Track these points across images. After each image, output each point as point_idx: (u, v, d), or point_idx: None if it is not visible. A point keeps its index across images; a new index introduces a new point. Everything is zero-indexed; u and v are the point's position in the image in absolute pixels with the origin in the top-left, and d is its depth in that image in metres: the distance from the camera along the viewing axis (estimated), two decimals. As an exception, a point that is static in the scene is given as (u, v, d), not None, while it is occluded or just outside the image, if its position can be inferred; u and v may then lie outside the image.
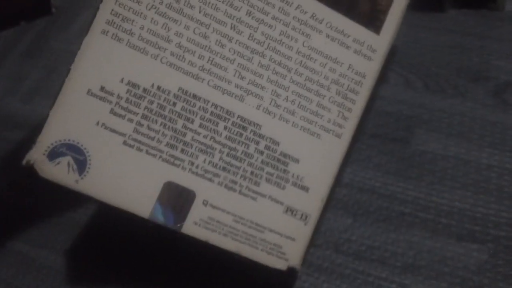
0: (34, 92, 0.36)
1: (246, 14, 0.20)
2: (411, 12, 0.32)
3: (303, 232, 0.21)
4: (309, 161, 0.21)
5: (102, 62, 0.19)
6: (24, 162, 0.18)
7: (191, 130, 0.20)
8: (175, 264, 0.25)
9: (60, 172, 0.18)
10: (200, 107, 0.20)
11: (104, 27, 0.19)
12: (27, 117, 0.35)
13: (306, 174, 0.21)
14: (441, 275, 0.23)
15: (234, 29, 0.20)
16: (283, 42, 0.20)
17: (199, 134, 0.20)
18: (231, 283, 0.24)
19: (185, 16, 0.19)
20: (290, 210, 0.20)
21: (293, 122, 0.20)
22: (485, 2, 0.31)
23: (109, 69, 0.19)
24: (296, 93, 0.21)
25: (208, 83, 0.20)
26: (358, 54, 0.21)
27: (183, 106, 0.20)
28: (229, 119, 0.20)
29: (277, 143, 0.20)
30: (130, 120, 0.19)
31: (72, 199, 0.28)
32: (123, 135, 0.19)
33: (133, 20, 0.19)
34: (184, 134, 0.20)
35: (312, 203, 0.21)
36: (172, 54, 0.19)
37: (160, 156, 0.19)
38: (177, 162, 0.20)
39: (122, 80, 0.19)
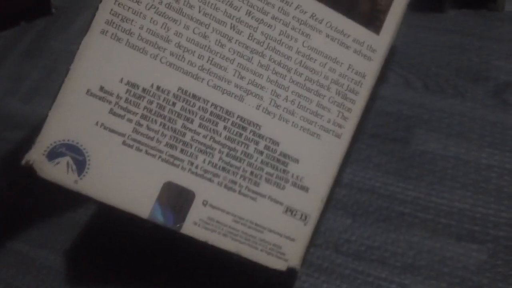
0: (34, 92, 0.36)
1: (246, 14, 0.20)
2: (411, 12, 0.32)
3: (302, 232, 0.21)
4: (309, 161, 0.21)
5: (102, 62, 0.19)
6: (23, 162, 0.18)
7: (190, 130, 0.20)
8: (175, 264, 0.25)
9: (59, 172, 0.18)
10: (199, 107, 0.20)
11: (104, 27, 0.19)
12: (27, 117, 0.35)
13: (305, 174, 0.21)
14: (441, 275, 0.23)
15: (233, 29, 0.20)
16: (283, 42, 0.20)
17: (198, 134, 0.20)
18: (231, 283, 0.24)
19: (184, 16, 0.19)
20: (289, 210, 0.20)
21: (293, 122, 0.20)
22: (484, 3, 0.31)
23: (108, 69, 0.19)
24: (296, 93, 0.20)
25: (207, 83, 0.20)
26: (358, 54, 0.21)
27: (182, 106, 0.20)
28: (228, 119, 0.20)
29: (277, 143, 0.20)
30: (130, 120, 0.19)
31: (72, 199, 0.28)
32: (123, 135, 0.19)
33: (132, 20, 0.19)
34: (184, 134, 0.20)
35: (311, 203, 0.21)
36: (171, 54, 0.19)
37: (160, 156, 0.19)
38: (177, 162, 0.20)
39: (121, 80, 0.19)
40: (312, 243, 0.24)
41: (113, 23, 0.19)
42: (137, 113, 0.19)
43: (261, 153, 0.20)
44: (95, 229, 0.27)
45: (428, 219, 0.24)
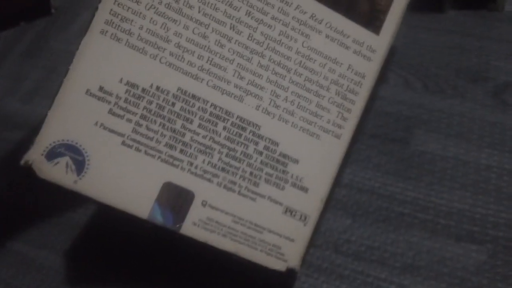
0: (34, 92, 0.36)
1: (246, 14, 0.20)
2: (411, 13, 0.32)
3: (302, 233, 0.21)
4: (309, 161, 0.21)
5: (101, 62, 0.19)
6: (22, 162, 0.18)
7: (190, 130, 0.20)
8: (175, 265, 0.25)
9: (58, 173, 0.18)
10: (199, 107, 0.20)
11: (103, 27, 0.19)
12: (26, 117, 0.35)
13: (305, 174, 0.21)
14: (440, 276, 0.23)
15: (233, 29, 0.20)
16: (282, 42, 0.20)
17: (198, 134, 0.20)
18: (230, 284, 0.24)
19: (184, 16, 0.19)
20: (289, 211, 0.20)
21: (293, 123, 0.20)
22: (484, 3, 0.31)
23: (108, 69, 0.19)
24: (296, 94, 0.20)
25: (207, 83, 0.20)
26: (357, 54, 0.21)
27: (182, 106, 0.20)
28: (228, 120, 0.20)
29: (276, 144, 0.20)
30: (129, 120, 0.19)
31: (71, 199, 0.28)
32: (122, 135, 0.19)
33: (132, 20, 0.19)
34: (183, 135, 0.20)
35: (311, 203, 0.21)
36: (171, 54, 0.19)
37: (159, 157, 0.19)
38: (176, 162, 0.19)
39: (121, 80, 0.19)
40: (312, 243, 0.24)
41: (113, 23, 0.19)
42: (136, 113, 0.19)
43: (261, 153, 0.20)
44: (95, 229, 0.27)
45: (428, 219, 0.24)
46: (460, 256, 0.23)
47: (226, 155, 0.20)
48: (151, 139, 0.19)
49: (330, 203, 0.26)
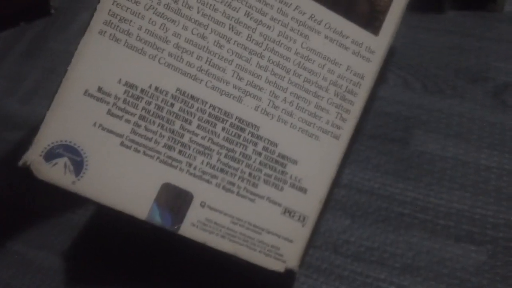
0: (33, 92, 0.36)
1: (245, 15, 0.20)
2: (410, 13, 0.32)
3: (301, 234, 0.20)
4: (307, 162, 0.21)
5: (100, 63, 0.19)
6: (20, 163, 0.18)
7: (188, 131, 0.20)
8: (173, 266, 0.25)
9: (56, 173, 0.18)
10: (198, 108, 0.20)
11: (102, 28, 0.19)
12: (26, 117, 0.35)
13: (304, 175, 0.21)
14: (440, 276, 0.23)
15: (232, 30, 0.20)
16: (281, 43, 0.20)
17: (197, 135, 0.20)
18: (229, 284, 0.24)
19: (183, 17, 0.19)
20: (288, 212, 0.20)
21: (291, 124, 0.20)
22: (484, 3, 0.31)
23: (106, 69, 0.19)
24: (294, 95, 0.20)
25: (206, 84, 0.20)
26: (356, 55, 0.21)
27: (180, 107, 0.20)
28: (227, 121, 0.20)
29: (275, 145, 0.20)
30: (128, 121, 0.19)
31: (71, 200, 0.28)
32: (121, 136, 0.19)
33: (131, 21, 0.19)
34: (182, 135, 0.20)
35: (310, 204, 0.21)
36: (170, 54, 0.19)
37: (158, 157, 0.19)
38: (175, 163, 0.19)
39: (119, 81, 0.19)
40: (311, 244, 0.24)
41: (111, 23, 0.19)
42: (135, 114, 0.19)
43: (260, 154, 0.20)
44: (94, 230, 0.27)
45: (427, 220, 0.24)
46: (459, 256, 0.23)
47: (225, 156, 0.20)
48: (150, 139, 0.19)
49: (330, 203, 0.26)
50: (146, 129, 0.19)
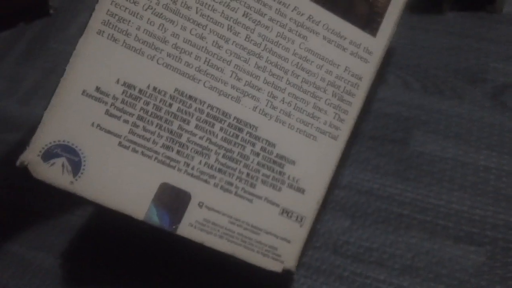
0: (32, 93, 0.36)
1: (243, 16, 0.20)
2: (410, 14, 0.32)
3: (298, 234, 0.20)
4: (305, 163, 0.21)
5: (98, 63, 0.19)
6: (18, 163, 0.18)
7: (187, 131, 0.20)
8: (172, 266, 0.25)
9: (54, 174, 0.18)
10: (196, 108, 0.20)
11: (100, 28, 0.19)
12: (25, 118, 0.35)
13: (302, 176, 0.21)
14: (439, 277, 0.23)
15: (231, 30, 0.20)
16: (279, 44, 0.20)
17: (195, 135, 0.20)
18: (227, 285, 0.24)
19: (181, 17, 0.19)
20: (285, 212, 0.20)
21: (289, 124, 0.20)
22: (483, 4, 0.31)
23: (104, 69, 0.19)
24: (293, 95, 0.20)
25: (204, 84, 0.20)
26: (354, 56, 0.21)
27: (179, 107, 0.20)
28: (225, 121, 0.20)
29: (273, 145, 0.20)
30: (126, 121, 0.19)
31: (70, 201, 0.28)
32: (119, 136, 0.19)
33: (129, 21, 0.19)
34: (180, 136, 0.20)
35: (308, 205, 0.21)
36: (168, 55, 0.19)
37: (156, 158, 0.19)
38: (173, 163, 0.19)
39: (117, 81, 0.19)
40: (310, 244, 0.24)
41: (110, 23, 0.19)
42: (133, 114, 0.19)
43: (258, 154, 0.20)
44: (93, 231, 0.27)
45: (427, 220, 0.24)
46: (458, 257, 0.23)
47: (223, 156, 0.20)
48: (148, 140, 0.19)
49: (329, 204, 0.26)
50: (144, 129, 0.19)
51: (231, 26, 0.20)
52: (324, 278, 0.24)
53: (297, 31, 0.20)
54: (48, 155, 0.18)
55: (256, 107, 0.20)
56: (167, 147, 0.19)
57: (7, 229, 0.28)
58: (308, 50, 0.21)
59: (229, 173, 0.20)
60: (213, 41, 0.20)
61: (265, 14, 0.20)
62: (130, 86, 0.19)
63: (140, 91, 0.19)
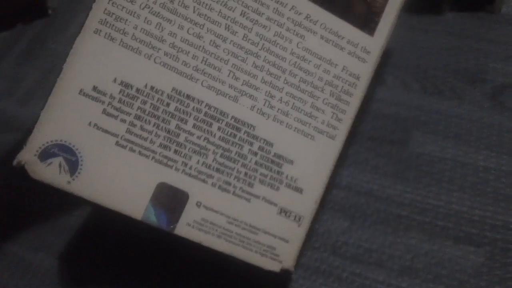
0: (31, 94, 0.36)
1: (241, 15, 0.20)
2: (409, 15, 0.32)
3: (296, 234, 0.20)
4: (303, 162, 0.21)
5: (95, 62, 0.19)
6: (15, 162, 0.18)
7: (184, 130, 0.20)
8: (170, 266, 0.25)
9: (51, 173, 0.18)
10: (193, 107, 0.20)
11: (97, 27, 0.19)
12: (24, 119, 0.35)
13: (300, 175, 0.21)
14: (438, 278, 0.22)
15: (228, 30, 0.20)
16: (277, 43, 0.20)
17: (192, 135, 0.20)
18: (225, 284, 0.24)
19: (179, 16, 0.19)
20: (283, 212, 0.20)
21: (287, 124, 0.20)
22: (482, 5, 0.31)
23: (102, 69, 0.19)
24: (290, 94, 0.20)
25: (202, 84, 0.20)
26: (352, 55, 0.21)
27: (176, 106, 0.20)
28: (223, 120, 0.20)
29: (271, 144, 0.20)
30: (123, 121, 0.19)
31: (68, 201, 0.28)
32: (116, 135, 0.19)
33: (126, 20, 0.19)
34: (178, 135, 0.20)
35: (306, 204, 0.21)
36: (165, 54, 0.19)
37: (153, 157, 0.19)
38: (170, 163, 0.19)
39: (115, 80, 0.19)
40: (308, 245, 0.24)
41: (107, 22, 0.19)
42: (130, 114, 0.19)
43: (255, 154, 0.20)
44: (91, 231, 0.27)
45: (426, 221, 0.24)
46: (458, 258, 0.23)
47: (221, 156, 0.20)
48: (145, 139, 0.19)
49: (328, 205, 0.26)
50: (142, 128, 0.19)
51: (228, 25, 0.20)
52: (323, 279, 0.24)
53: (294, 31, 0.20)
54: (45, 154, 0.18)
55: (254, 107, 0.20)
56: (165, 147, 0.19)
57: (7, 229, 0.28)
58: (305, 49, 0.21)
59: (227, 172, 0.20)
60: (211, 40, 0.20)
61: (262, 13, 0.20)
62: (127, 85, 0.19)
63: (138, 90, 0.19)
